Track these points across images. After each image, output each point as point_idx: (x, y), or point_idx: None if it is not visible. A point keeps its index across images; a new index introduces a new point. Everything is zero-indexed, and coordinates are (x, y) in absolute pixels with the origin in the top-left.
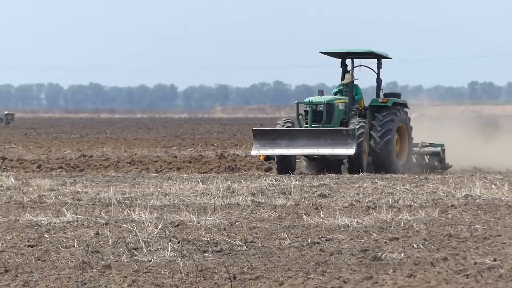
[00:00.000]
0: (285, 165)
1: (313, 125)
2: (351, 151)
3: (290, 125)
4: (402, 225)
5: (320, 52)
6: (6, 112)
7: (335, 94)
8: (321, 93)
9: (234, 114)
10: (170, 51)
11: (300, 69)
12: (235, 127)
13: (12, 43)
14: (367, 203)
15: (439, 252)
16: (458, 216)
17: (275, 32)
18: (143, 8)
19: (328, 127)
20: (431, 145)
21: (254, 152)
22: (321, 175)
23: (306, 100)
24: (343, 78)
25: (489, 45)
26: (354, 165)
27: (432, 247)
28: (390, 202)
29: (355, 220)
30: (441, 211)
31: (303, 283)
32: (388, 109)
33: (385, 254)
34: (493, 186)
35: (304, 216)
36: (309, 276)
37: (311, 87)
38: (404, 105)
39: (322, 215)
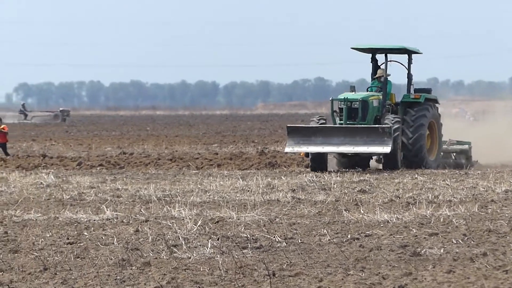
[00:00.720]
0: (320, 162)
1: (348, 122)
2: (387, 149)
3: (324, 122)
4: (441, 220)
5: (352, 48)
6: (61, 109)
7: (366, 90)
8: (353, 89)
9: (276, 110)
10: (211, 47)
11: (341, 65)
12: (276, 123)
13: (53, 41)
14: (407, 199)
15: (479, 247)
16: (498, 211)
17: (316, 29)
18: (184, 4)
19: (363, 124)
20: (459, 142)
21: (288, 149)
22: (361, 170)
23: (341, 97)
24: (374, 73)
25: None
26: (389, 162)
27: (472, 242)
28: (430, 197)
29: (395, 215)
30: (481, 206)
31: (342, 279)
32: (420, 105)
33: (424, 250)
34: None
35: (344, 212)
36: (349, 272)
37: (351, 83)
38: (435, 101)
39: (362, 211)
